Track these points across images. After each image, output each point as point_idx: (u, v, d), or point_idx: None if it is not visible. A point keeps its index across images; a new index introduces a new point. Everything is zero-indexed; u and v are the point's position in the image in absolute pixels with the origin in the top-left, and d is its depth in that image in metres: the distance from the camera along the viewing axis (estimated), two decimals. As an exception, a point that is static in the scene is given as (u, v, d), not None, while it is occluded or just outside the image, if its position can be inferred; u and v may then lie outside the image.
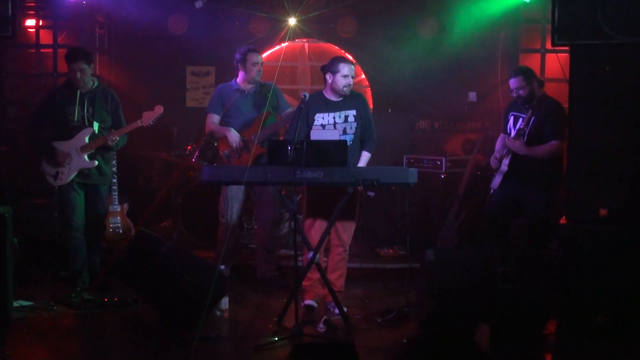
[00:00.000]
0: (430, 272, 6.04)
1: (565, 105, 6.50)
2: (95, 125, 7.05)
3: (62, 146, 6.99)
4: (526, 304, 5.93)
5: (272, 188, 7.42)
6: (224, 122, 7.52)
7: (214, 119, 7.55)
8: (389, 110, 9.94)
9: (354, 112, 6.74)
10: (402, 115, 9.71)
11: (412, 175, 6.14)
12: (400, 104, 9.92)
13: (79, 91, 7.05)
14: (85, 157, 7.00)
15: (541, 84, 7.15)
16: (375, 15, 9.99)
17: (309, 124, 6.55)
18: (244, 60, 7.50)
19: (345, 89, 6.66)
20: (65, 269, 7.25)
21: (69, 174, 7.00)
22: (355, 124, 6.73)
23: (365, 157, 6.79)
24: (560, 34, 5.94)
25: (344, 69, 6.65)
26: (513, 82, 7.01)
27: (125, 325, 6.36)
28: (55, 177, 7.01)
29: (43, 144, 7.07)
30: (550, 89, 8.10)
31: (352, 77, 6.73)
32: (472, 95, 9.88)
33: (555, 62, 7.38)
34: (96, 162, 7.05)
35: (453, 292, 5.95)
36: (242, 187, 7.38)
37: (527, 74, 7.01)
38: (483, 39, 9.56)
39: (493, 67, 9.41)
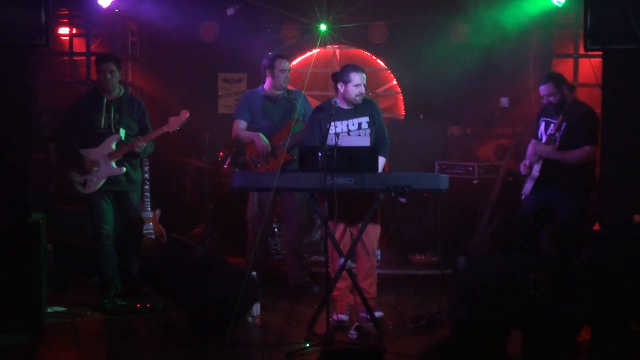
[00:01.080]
0: (462, 278, 6.00)
1: (598, 110, 6.44)
2: (122, 132, 7.07)
3: (89, 154, 7.03)
4: (559, 311, 5.87)
5: (298, 194, 7.41)
6: (250, 129, 7.55)
7: (241, 124, 7.57)
8: (421, 116, 9.92)
9: (366, 118, 6.71)
10: (433, 121, 9.67)
11: (443, 181, 6.11)
12: (431, 109, 9.88)
13: (105, 98, 7.09)
14: (113, 164, 7.04)
15: (572, 89, 7.09)
16: (407, 21, 9.96)
17: (323, 134, 6.54)
18: (271, 67, 7.51)
19: (357, 98, 6.63)
20: (98, 275, 7.30)
21: (97, 182, 7.04)
22: (369, 131, 6.70)
23: (381, 162, 6.72)
24: (593, 38, 5.88)
25: (356, 78, 6.61)
26: (543, 89, 6.97)
27: (157, 331, 6.38)
28: (84, 185, 7.04)
29: (71, 152, 7.10)
30: (583, 94, 8.05)
31: (364, 85, 6.69)
32: (504, 101, 9.82)
33: (588, 67, 7.31)
34: (124, 169, 7.09)
35: (485, 299, 5.91)
36: (269, 194, 7.40)
37: (557, 80, 6.96)
38: (515, 44, 9.51)
39: (525, 73, 9.35)
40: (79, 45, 10.16)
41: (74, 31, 10.25)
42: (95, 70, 7.21)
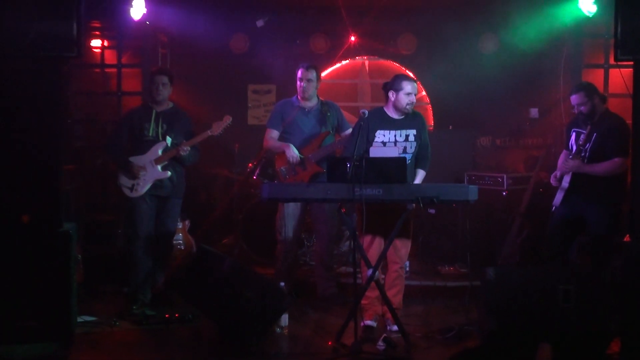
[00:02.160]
0: (491, 290, 5.98)
1: (629, 121, 6.40)
2: (168, 140, 7.28)
3: (137, 160, 7.24)
4: (589, 323, 5.83)
5: (328, 205, 7.42)
6: (283, 139, 7.58)
7: (273, 134, 7.60)
8: (450, 127, 9.91)
9: (414, 131, 6.73)
10: (463, 132, 9.66)
11: (472, 192, 6.09)
12: (461, 120, 9.87)
13: (154, 110, 7.32)
14: (159, 168, 7.22)
15: (604, 100, 7.03)
16: (436, 32, 9.97)
17: (369, 140, 6.56)
18: (298, 78, 7.55)
19: (408, 106, 6.66)
20: (128, 285, 7.35)
21: (144, 185, 7.21)
22: (415, 144, 6.72)
23: (420, 176, 6.79)
24: (624, 49, 5.83)
25: (407, 86, 6.64)
26: (574, 99, 6.93)
27: (186, 341, 6.40)
28: (132, 189, 7.24)
29: (121, 158, 7.32)
30: (613, 105, 7.99)
31: (415, 95, 6.72)
32: (534, 112, 9.79)
33: (619, 77, 7.26)
34: (169, 173, 7.25)
35: (514, 311, 5.88)
36: (299, 205, 7.42)
37: (588, 89, 6.92)
38: (545, 54, 9.48)
39: (555, 83, 9.31)
40: (110, 57, 10.25)
41: (106, 43, 10.33)
42: (126, 82, 7.34)
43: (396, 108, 6.70)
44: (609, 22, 6.77)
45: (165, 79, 7.35)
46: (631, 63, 6.03)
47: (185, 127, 7.44)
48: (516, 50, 9.47)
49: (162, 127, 7.30)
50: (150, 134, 7.28)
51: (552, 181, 7.12)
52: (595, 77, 9.07)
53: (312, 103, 7.62)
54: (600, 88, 8.94)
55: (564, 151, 7.26)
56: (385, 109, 6.76)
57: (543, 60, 9.52)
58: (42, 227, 5.98)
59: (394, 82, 6.72)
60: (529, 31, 9.25)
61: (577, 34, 9.33)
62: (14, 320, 5.87)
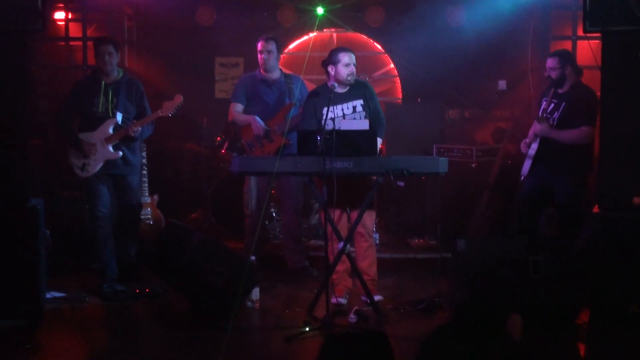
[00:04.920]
0: (461, 262, 6.02)
1: (598, 93, 6.43)
2: (119, 116, 7.06)
3: (87, 137, 7.02)
4: (558, 294, 5.89)
5: (293, 178, 7.40)
6: (247, 112, 7.57)
7: (237, 107, 7.58)
8: (418, 100, 9.89)
9: (360, 101, 6.71)
10: (431, 105, 9.64)
11: (442, 164, 6.11)
12: (429, 93, 9.85)
13: (103, 82, 7.07)
14: (110, 148, 7.02)
15: (578, 71, 7.01)
16: (404, 5, 9.93)
17: (319, 119, 6.54)
18: (258, 50, 7.51)
19: (349, 77, 6.64)
20: (95, 259, 7.30)
21: (95, 165, 7.02)
22: (364, 114, 6.70)
23: (377, 143, 6.74)
24: (592, 20, 5.86)
25: (345, 57, 6.62)
26: (549, 62, 6.98)
27: (156, 316, 6.39)
28: (82, 168, 7.04)
29: (71, 135, 7.10)
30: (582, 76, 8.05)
31: (354, 65, 6.69)
32: (502, 84, 9.79)
33: (587, 49, 7.29)
34: (120, 153, 7.05)
35: (484, 282, 5.93)
36: (265, 178, 7.39)
37: (563, 57, 6.95)
38: (513, 26, 9.46)
39: (523, 55, 9.32)
40: (75, 30, 10.11)
41: (70, 16, 10.18)
42: (93, 53, 7.16)
43: (338, 81, 6.67)
44: (577, -7, 6.82)
45: (110, 48, 7.04)
46: (599, 35, 6.06)
47: (137, 96, 7.21)
48: (484, 22, 9.43)
49: (112, 102, 7.05)
50: (100, 110, 7.02)
51: (523, 148, 7.13)
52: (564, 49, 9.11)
53: (275, 75, 7.60)
54: (568, 60, 8.99)
55: (534, 120, 7.27)
56: (328, 85, 6.72)
57: (511, 32, 9.51)
58: (8, 203, 5.93)
59: (330, 56, 6.71)
60: (496, 3, 9.23)
61: (545, 5, 9.35)
62: (-19, 297, 5.82)
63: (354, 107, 6.69)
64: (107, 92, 7.06)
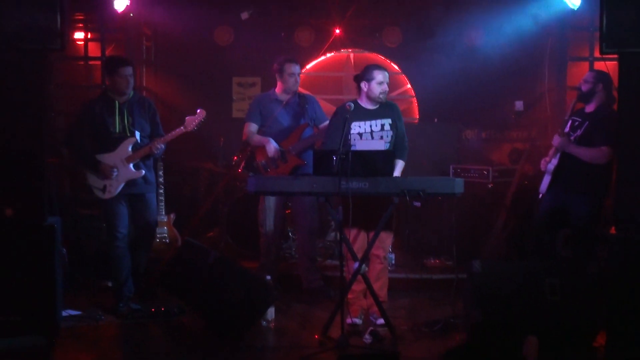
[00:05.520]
0: (477, 283, 5.99)
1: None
2: (137, 135, 7.05)
3: (107, 159, 6.97)
4: (575, 316, 5.85)
5: (308, 197, 7.41)
6: (262, 132, 7.58)
7: (252, 128, 7.59)
8: (435, 120, 9.90)
9: (389, 120, 6.73)
10: (448, 125, 9.66)
11: (458, 185, 6.10)
12: (446, 113, 9.87)
13: (117, 102, 7.03)
14: (132, 167, 7.02)
15: (610, 97, 6.92)
16: (420, 25, 9.95)
17: (346, 134, 6.54)
18: (281, 71, 7.54)
19: (381, 95, 6.67)
20: (112, 278, 7.31)
21: (117, 186, 6.99)
22: (391, 133, 6.72)
23: (399, 166, 6.79)
24: (609, 42, 5.83)
25: (379, 75, 6.65)
26: (586, 74, 6.99)
27: (171, 335, 6.39)
28: (104, 190, 6.98)
29: (86, 157, 7.04)
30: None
31: (387, 84, 6.73)
32: (519, 104, 9.78)
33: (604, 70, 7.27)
34: (143, 172, 7.04)
35: (500, 304, 5.89)
36: (280, 197, 7.41)
37: (599, 75, 6.91)
38: (530, 47, 9.47)
39: (540, 76, 9.33)
40: (94, 49, 10.19)
41: (89, 36, 10.28)
42: (110, 73, 7.13)
43: (369, 98, 6.70)
44: (594, 14, 6.80)
45: (131, 70, 7.03)
46: (616, 56, 6.04)
47: (150, 114, 7.18)
48: (501, 43, 9.44)
49: (127, 121, 7.02)
50: (117, 130, 6.99)
51: (543, 165, 7.09)
52: (580, 70, 9.09)
53: (289, 95, 7.62)
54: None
55: (555, 136, 7.23)
56: (359, 101, 6.76)
57: (528, 53, 9.52)
58: (26, 221, 5.95)
59: (365, 73, 6.73)
60: (514, 24, 9.23)
61: (562, 26, 9.34)
62: (-2, 314, 5.85)
63: (382, 125, 6.71)
64: (122, 111, 7.03)
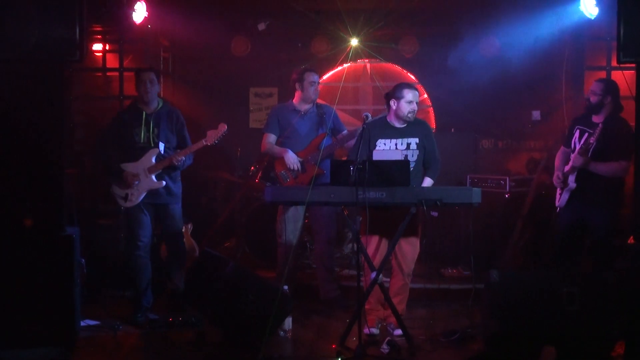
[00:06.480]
0: (495, 293, 5.97)
1: (632, 123, 6.38)
2: (161, 146, 7.10)
3: (130, 168, 7.04)
4: (593, 326, 5.82)
5: (326, 208, 7.42)
6: (280, 143, 7.60)
7: (270, 138, 7.61)
8: (452, 130, 9.89)
9: (416, 139, 6.72)
10: (465, 135, 9.64)
11: (475, 195, 6.09)
12: (463, 123, 9.86)
13: (144, 112, 7.12)
14: (154, 177, 7.07)
15: (617, 106, 6.93)
16: (437, 35, 9.97)
17: (371, 150, 6.55)
18: (301, 80, 7.55)
19: (409, 115, 6.66)
20: (130, 288, 7.34)
21: (139, 195, 7.06)
22: (417, 152, 6.71)
23: (427, 183, 6.78)
24: (626, 51, 5.82)
25: (409, 94, 6.64)
26: (593, 85, 6.96)
27: (189, 345, 6.38)
28: (125, 198, 7.06)
29: (111, 165, 7.13)
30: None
31: (417, 103, 6.72)
32: (536, 114, 9.77)
33: (621, 79, 7.25)
34: (164, 183, 7.09)
35: (518, 313, 5.87)
36: (298, 207, 7.41)
37: (608, 86, 6.92)
38: (547, 56, 9.45)
39: (557, 85, 9.29)
40: (112, 61, 10.26)
41: (107, 47, 10.34)
42: (131, 84, 7.23)
43: (398, 116, 6.70)
44: (611, 24, 6.78)
45: (152, 76, 7.12)
46: (633, 65, 6.03)
47: (178, 126, 7.24)
48: (518, 52, 9.43)
49: (153, 132, 7.10)
50: (142, 140, 7.08)
51: (556, 181, 7.07)
52: (598, 80, 9.08)
53: (308, 106, 7.63)
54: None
55: (562, 148, 7.22)
56: (388, 118, 6.78)
57: (545, 63, 9.49)
58: (44, 231, 5.98)
59: (395, 91, 6.72)
60: (530, 33, 9.22)
61: (579, 35, 9.31)
62: (17, 324, 5.87)
63: (408, 144, 6.70)
64: (148, 122, 7.11)
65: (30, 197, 5.97)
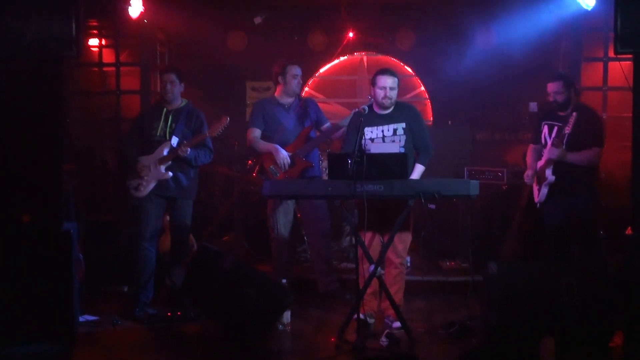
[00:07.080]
0: (493, 284, 5.98)
1: (629, 114, 6.38)
2: (174, 140, 7.13)
3: (144, 159, 7.14)
4: (591, 317, 5.83)
5: (320, 201, 7.43)
6: (266, 137, 7.55)
7: (255, 133, 7.57)
8: (449, 122, 9.89)
9: (403, 124, 6.69)
10: (462, 127, 9.66)
11: (473, 187, 6.08)
12: (460, 115, 9.87)
13: (165, 108, 7.23)
14: (162, 168, 7.11)
15: (578, 93, 7.07)
16: (433, 27, 9.96)
17: (357, 140, 6.53)
18: (283, 73, 7.53)
19: (384, 100, 6.63)
20: (128, 284, 7.34)
21: (148, 186, 7.12)
22: (404, 137, 6.68)
23: (418, 170, 6.73)
24: (623, 42, 5.81)
25: (380, 80, 6.63)
26: (552, 86, 6.96)
27: (188, 340, 6.40)
28: (136, 188, 7.14)
29: (128, 158, 7.25)
30: (613, 98, 7.99)
31: (392, 89, 6.66)
32: (533, 106, 9.76)
33: (619, 71, 7.25)
34: (170, 174, 7.12)
35: (516, 305, 5.88)
36: (289, 201, 7.40)
37: (567, 80, 6.98)
38: (544, 48, 9.44)
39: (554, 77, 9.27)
40: (108, 55, 10.24)
41: (104, 42, 10.32)
42: (124, 80, 7.27)
43: (376, 103, 6.68)
44: (608, 15, 6.80)
45: (172, 77, 7.21)
46: (631, 56, 6.02)
47: (197, 125, 7.28)
48: (515, 44, 9.42)
49: (170, 127, 7.17)
50: (159, 134, 7.17)
51: (527, 179, 7.11)
52: (595, 71, 9.09)
53: (291, 99, 7.62)
54: (600, 81, 8.99)
55: (531, 146, 7.25)
56: (373, 106, 6.75)
57: (542, 54, 9.49)
58: (42, 226, 5.98)
59: (372, 78, 6.72)
60: (527, 25, 9.20)
61: (576, 27, 9.29)
62: (15, 321, 5.87)
63: (395, 130, 6.69)
64: (168, 117, 7.21)
65: (28, 193, 5.97)
